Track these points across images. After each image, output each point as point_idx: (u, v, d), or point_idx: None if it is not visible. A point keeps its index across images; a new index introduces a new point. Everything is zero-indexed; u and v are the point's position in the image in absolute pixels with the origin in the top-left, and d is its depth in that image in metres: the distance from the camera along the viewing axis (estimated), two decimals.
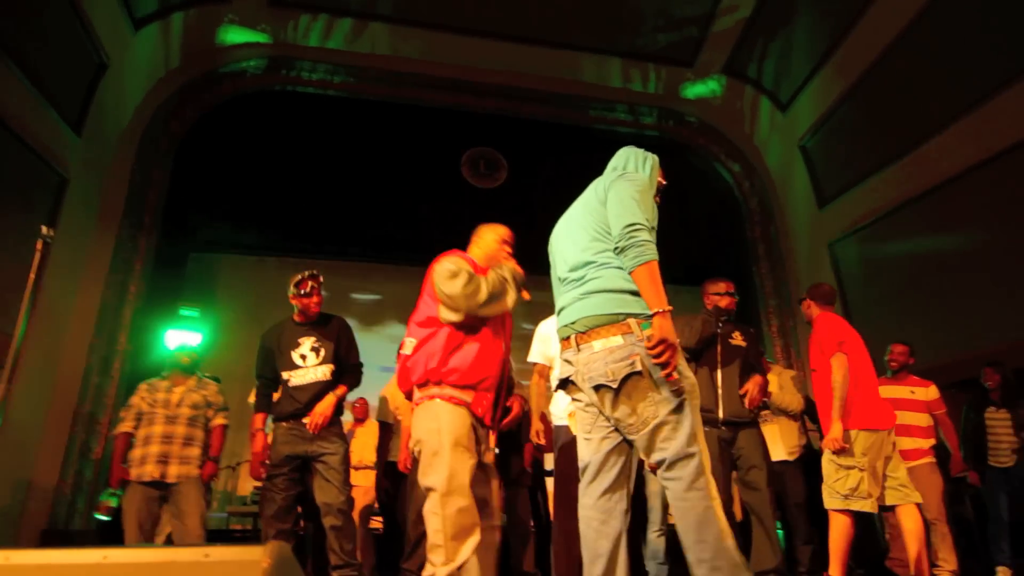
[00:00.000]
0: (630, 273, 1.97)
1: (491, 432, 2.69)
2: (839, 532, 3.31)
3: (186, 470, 3.93)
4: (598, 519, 1.97)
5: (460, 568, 2.18)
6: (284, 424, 3.52)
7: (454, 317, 2.45)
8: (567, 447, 3.40)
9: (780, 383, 4.61)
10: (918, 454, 4.28)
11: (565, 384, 2.14)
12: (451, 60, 8.14)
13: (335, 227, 7.82)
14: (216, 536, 6.11)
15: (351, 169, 8.02)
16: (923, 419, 4.38)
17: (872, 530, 5.55)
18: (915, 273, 6.70)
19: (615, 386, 1.91)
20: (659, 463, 1.88)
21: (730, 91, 8.82)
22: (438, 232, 8.16)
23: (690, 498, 1.81)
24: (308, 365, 3.58)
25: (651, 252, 1.98)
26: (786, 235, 8.90)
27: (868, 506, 3.26)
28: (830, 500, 3.37)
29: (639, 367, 1.88)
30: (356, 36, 7.88)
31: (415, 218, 7.95)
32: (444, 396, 2.40)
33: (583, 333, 2.00)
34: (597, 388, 1.96)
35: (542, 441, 3.57)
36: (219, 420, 4.21)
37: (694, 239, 8.82)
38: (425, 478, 2.30)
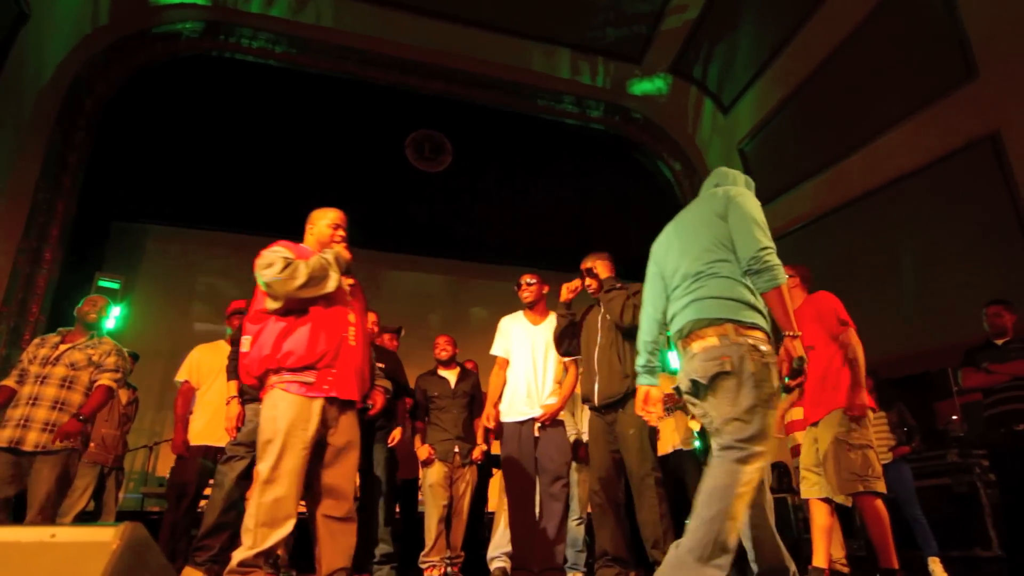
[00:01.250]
0: (763, 295, 2.15)
1: (361, 407, 2.76)
2: (878, 519, 3.03)
3: (47, 439, 3.39)
4: None
5: (262, 554, 2.23)
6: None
7: (275, 305, 2.48)
8: (509, 442, 3.56)
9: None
10: None
11: (679, 392, 2.28)
12: (398, 38, 7.98)
13: (270, 202, 7.56)
14: (130, 518, 5.88)
15: (289, 143, 7.79)
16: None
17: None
18: (840, 278, 7.00)
19: (705, 382, 2.08)
20: (722, 447, 2.02)
21: (675, 90, 8.97)
22: (379, 212, 8.05)
23: (729, 473, 1.96)
24: None
25: (783, 275, 2.15)
26: None
27: (882, 486, 3.06)
28: (850, 484, 3.06)
29: (728, 368, 2.03)
30: (301, 6, 7.62)
31: (356, 198, 7.77)
32: (283, 383, 2.41)
33: (686, 337, 2.18)
34: (693, 383, 2.14)
35: (491, 425, 3.66)
36: (104, 380, 3.69)
37: (634, 234, 8.95)
38: (257, 463, 2.39)
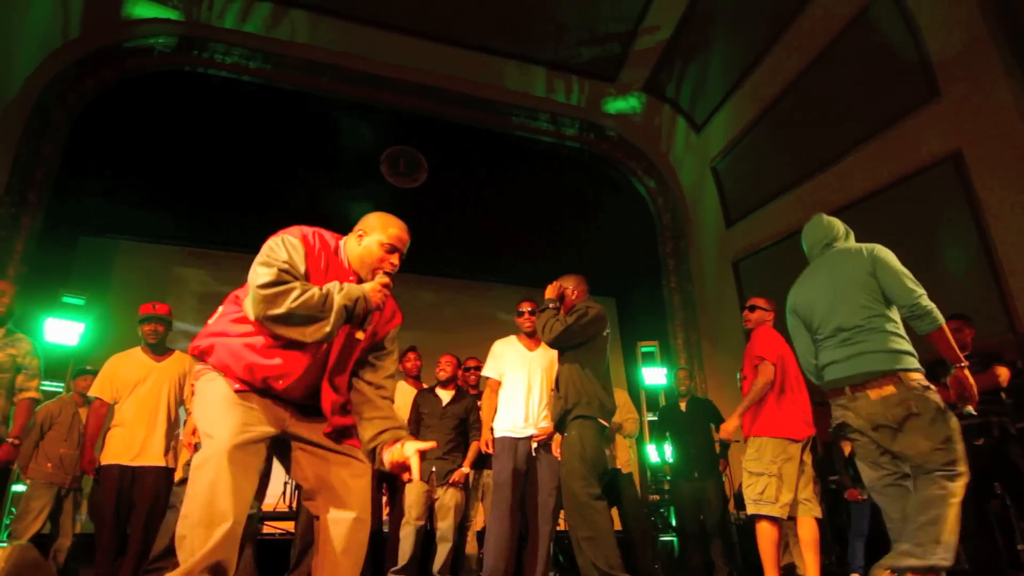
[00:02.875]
0: (929, 335, 2.49)
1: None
2: (762, 539, 3.41)
3: None
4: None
5: (202, 571, 1.73)
6: None
7: (247, 308, 1.98)
8: (501, 456, 3.65)
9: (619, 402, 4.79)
10: None
11: (841, 427, 2.63)
12: (373, 55, 8.00)
13: (243, 219, 7.48)
14: (87, 541, 5.72)
15: (263, 159, 7.73)
16: None
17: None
18: None
19: (895, 426, 2.43)
20: (929, 471, 2.39)
21: (649, 109, 9.09)
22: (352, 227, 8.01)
23: (941, 495, 2.34)
24: None
25: (940, 317, 2.49)
26: (695, 252, 9.23)
27: (776, 511, 3.39)
28: (748, 506, 3.49)
29: (915, 410, 2.41)
30: (275, 22, 7.62)
31: (329, 215, 7.69)
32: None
33: (859, 385, 2.54)
34: (876, 428, 2.49)
35: (490, 450, 3.77)
36: (31, 393, 3.46)
37: (610, 251, 9.02)
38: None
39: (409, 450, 1.97)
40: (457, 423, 4.33)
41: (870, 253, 2.67)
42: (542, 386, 3.82)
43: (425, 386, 4.79)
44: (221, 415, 1.87)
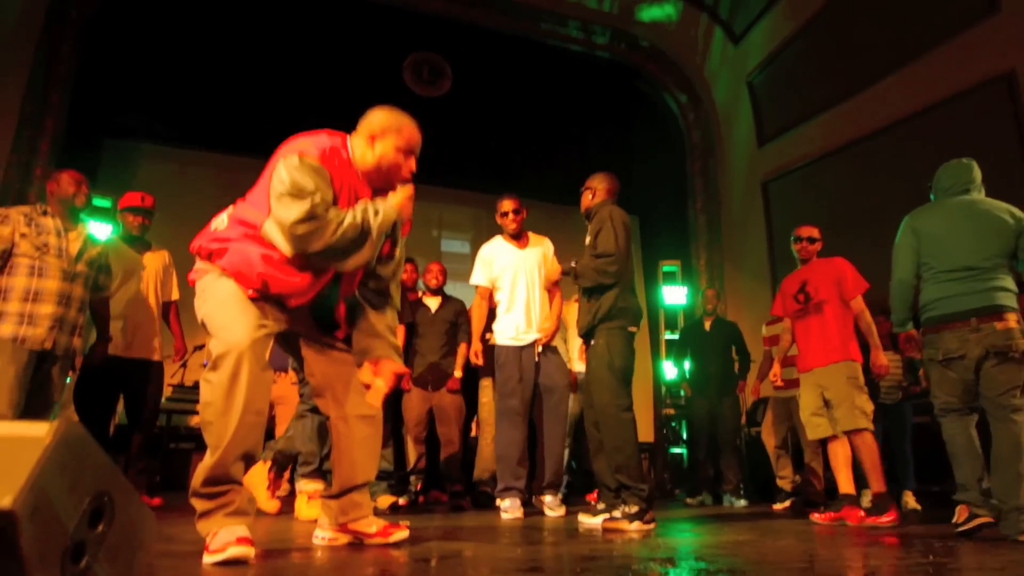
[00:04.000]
0: None
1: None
2: (872, 449, 3.43)
3: (77, 343, 3.20)
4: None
5: (235, 458, 1.79)
6: None
7: (276, 242, 1.86)
8: (506, 366, 3.58)
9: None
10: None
11: (952, 359, 2.87)
12: None
13: (265, 122, 7.38)
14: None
15: (284, 62, 7.54)
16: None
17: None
18: (841, 217, 6.92)
19: (1013, 355, 2.74)
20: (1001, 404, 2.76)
21: (685, 17, 8.62)
22: None
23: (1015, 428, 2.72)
24: None
25: None
26: (724, 171, 8.98)
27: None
28: (857, 420, 3.42)
29: (1020, 347, 2.74)
30: None
31: (351, 118, 7.60)
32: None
33: (985, 316, 2.79)
34: (995, 353, 2.77)
35: (480, 362, 3.75)
36: (106, 292, 3.47)
37: (636, 168, 8.82)
38: None
39: (381, 376, 2.04)
40: (448, 328, 4.40)
41: (1017, 219, 2.93)
42: (540, 285, 3.72)
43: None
44: (237, 312, 1.86)
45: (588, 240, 3.24)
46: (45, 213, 3.18)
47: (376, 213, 1.89)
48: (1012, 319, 2.77)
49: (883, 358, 3.56)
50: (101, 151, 7.15)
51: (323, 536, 2.10)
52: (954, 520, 2.81)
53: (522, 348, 3.62)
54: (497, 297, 3.78)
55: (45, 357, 3.06)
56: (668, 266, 7.96)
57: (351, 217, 1.85)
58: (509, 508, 3.43)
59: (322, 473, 3.19)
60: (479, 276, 3.82)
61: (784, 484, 4.84)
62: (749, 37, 8.26)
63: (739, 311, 8.16)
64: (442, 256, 8.82)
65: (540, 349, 3.64)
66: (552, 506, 3.55)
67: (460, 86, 8.34)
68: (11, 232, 3.04)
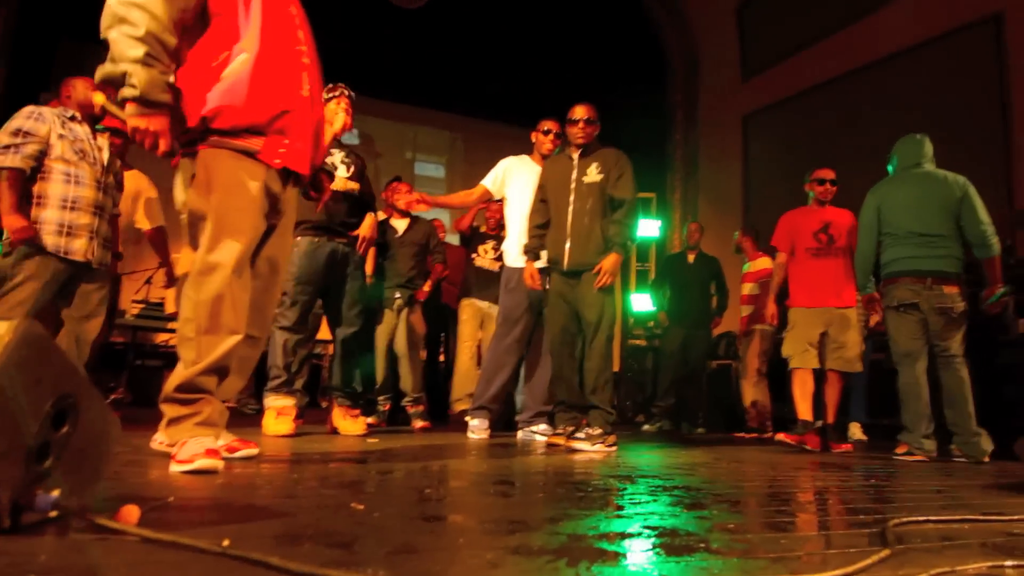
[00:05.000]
0: (984, 260, 3.35)
1: (311, 193, 2.18)
2: (841, 387, 3.86)
3: (107, 257, 3.08)
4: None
5: (210, 371, 1.74)
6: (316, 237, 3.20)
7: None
8: (516, 291, 3.48)
9: None
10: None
11: (908, 306, 3.38)
12: None
13: None
14: None
15: None
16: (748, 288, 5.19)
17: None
18: (820, 156, 6.92)
19: (954, 315, 3.31)
20: (945, 352, 3.34)
21: None
22: (349, 49, 7.56)
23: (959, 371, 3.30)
24: (340, 175, 3.30)
25: (998, 248, 3.34)
26: (705, 104, 8.86)
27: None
28: (854, 364, 3.80)
29: (961, 308, 3.31)
30: None
31: (323, 30, 7.26)
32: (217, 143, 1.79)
33: (938, 279, 3.33)
34: (940, 311, 3.31)
35: (426, 205, 3.72)
36: (115, 209, 3.23)
37: (617, 96, 8.64)
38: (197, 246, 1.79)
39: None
40: (417, 250, 4.37)
41: (962, 186, 3.37)
42: None
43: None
44: (242, 216, 1.77)
45: (600, 177, 3.21)
46: (73, 118, 2.98)
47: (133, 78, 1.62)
48: (956, 285, 3.33)
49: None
50: (56, 52, 6.75)
51: (161, 440, 1.88)
52: (895, 451, 3.32)
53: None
54: (509, 215, 3.65)
55: (82, 270, 2.94)
56: (642, 197, 7.93)
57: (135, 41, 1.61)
58: (476, 428, 3.45)
59: (291, 389, 3.19)
60: (488, 179, 3.69)
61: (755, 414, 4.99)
62: None
63: (711, 247, 8.24)
64: (415, 180, 8.67)
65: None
66: (546, 433, 3.46)
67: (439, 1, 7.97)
68: (47, 132, 2.85)
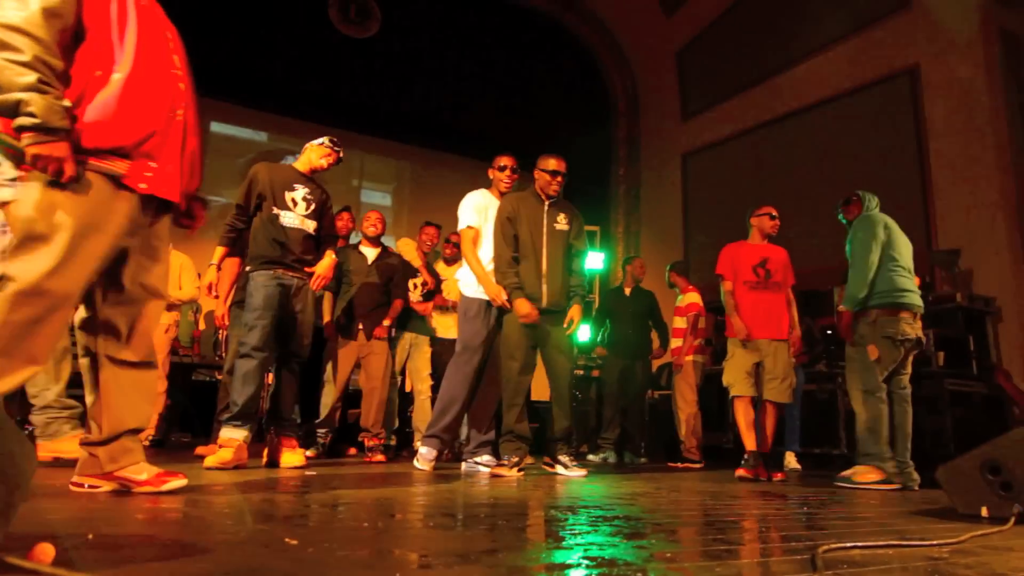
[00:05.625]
0: None
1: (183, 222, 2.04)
2: (776, 418, 3.95)
3: None
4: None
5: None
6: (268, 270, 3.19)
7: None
8: (476, 320, 3.49)
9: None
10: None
11: (904, 340, 3.46)
12: None
13: (193, 61, 6.89)
14: None
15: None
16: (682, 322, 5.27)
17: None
18: (754, 195, 7.24)
19: (921, 347, 3.60)
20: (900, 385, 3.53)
21: None
22: (299, 77, 7.51)
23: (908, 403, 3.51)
24: (298, 212, 3.29)
25: None
26: (648, 141, 9.17)
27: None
28: (788, 395, 3.89)
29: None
30: None
31: (273, 57, 7.21)
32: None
33: (919, 316, 3.53)
34: (917, 344, 3.51)
35: (502, 300, 3.42)
36: None
37: (562, 130, 8.85)
38: (11, 261, 1.56)
39: None
40: (384, 280, 4.32)
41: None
42: None
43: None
44: (84, 243, 1.63)
45: (567, 227, 3.51)
46: None
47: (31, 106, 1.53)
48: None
49: (800, 338, 4.01)
50: None
51: (86, 484, 1.83)
52: (869, 480, 3.35)
53: (489, 304, 3.49)
54: (483, 247, 3.64)
55: None
56: (590, 229, 8.09)
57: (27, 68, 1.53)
58: (423, 457, 3.44)
59: (242, 423, 3.06)
60: (473, 217, 3.62)
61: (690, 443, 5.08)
62: (681, 11, 8.37)
63: (652, 281, 8.44)
64: (361, 208, 8.60)
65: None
66: (490, 464, 3.47)
67: (388, 28, 8.04)
68: None
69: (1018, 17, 5.51)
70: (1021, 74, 5.49)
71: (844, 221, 3.89)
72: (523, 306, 3.28)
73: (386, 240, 4.65)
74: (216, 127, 7.59)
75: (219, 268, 3.32)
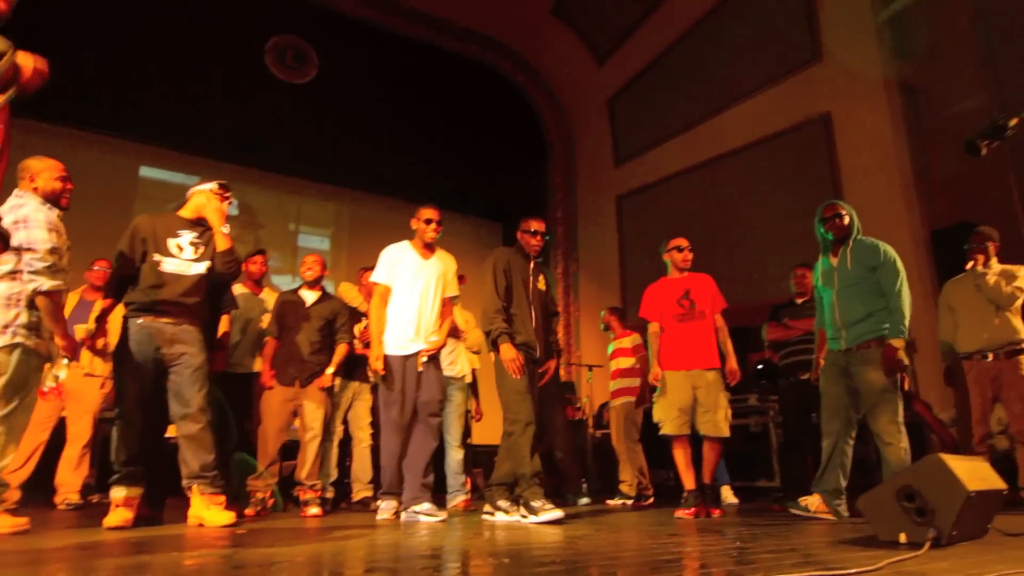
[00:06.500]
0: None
1: None
2: (719, 452, 3.87)
3: None
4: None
5: None
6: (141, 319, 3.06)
7: None
8: (391, 375, 3.55)
9: (465, 318, 4.95)
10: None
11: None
12: None
13: (118, 98, 6.74)
14: None
15: (139, 34, 6.90)
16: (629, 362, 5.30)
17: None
18: (686, 233, 7.52)
19: None
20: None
21: (555, 34, 8.97)
22: (234, 121, 7.42)
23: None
24: (184, 258, 3.17)
25: None
26: (583, 185, 9.44)
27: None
28: (725, 428, 3.76)
29: None
30: None
31: (207, 101, 7.13)
32: None
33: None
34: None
35: (379, 367, 3.54)
36: None
37: (501, 175, 9.03)
38: None
39: None
40: (323, 325, 4.19)
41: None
42: (434, 299, 3.71)
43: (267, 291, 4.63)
44: None
45: (545, 288, 3.78)
46: None
47: None
48: None
49: (736, 366, 3.89)
50: None
51: None
52: (822, 510, 3.35)
53: (407, 357, 3.58)
54: (390, 305, 3.70)
55: None
56: None
57: None
58: (385, 509, 3.49)
59: (131, 481, 2.93)
60: (382, 274, 3.69)
61: (638, 482, 5.11)
62: (612, 60, 8.75)
63: (591, 321, 8.60)
64: (298, 252, 8.47)
65: (425, 359, 3.61)
66: (431, 512, 3.43)
67: (326, 75, 8.08)
68: None
69: (915, 69, 5.99)
70: (921, 122, 5.95)
71: (830, 237, 3.52)
72: (509, 351, 3.39)
73: (327, 286, 4.59)
74: (146, 171, 7.40)
75: (98, 320, 3.17)
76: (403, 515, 3.51)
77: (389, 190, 8.53)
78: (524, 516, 3.24)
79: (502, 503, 3.44)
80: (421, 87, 8.71)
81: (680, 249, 4.11)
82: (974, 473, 2.18)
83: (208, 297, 3.30)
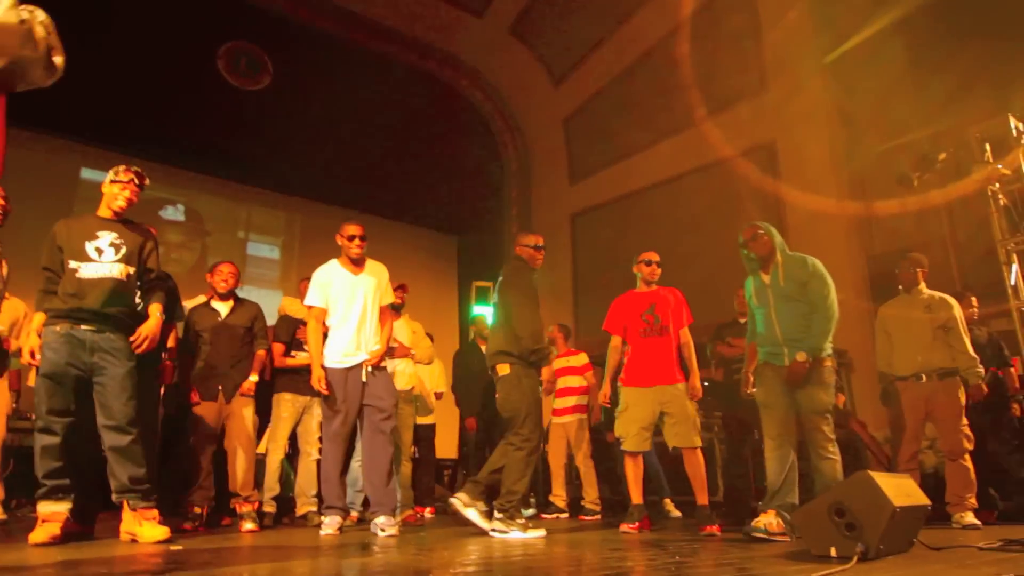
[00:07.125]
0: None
1: None
2: (701, 464, 3.75)
3: None
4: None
5: None
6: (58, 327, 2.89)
7: None
8: (332, 388, 3.57)
9: (413, 328, 5.03)
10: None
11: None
12: None
13: (60, 95, 6.47)
14: None
15: (88, 30, 6.66)
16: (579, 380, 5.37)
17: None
18: (639, 251, 7.68)
19: None
20: None
21: (513, 52, 9.07)
22: (183, 125, 7.23)
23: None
24: (103, 260, 3.01)
25: None
26: (538, 201, 9.54)
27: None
28: (695, 438, 3.71)
29: None
30: None
31: (156, 104, 6.93)
32: None
33: None
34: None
35: (323, 387, 3.57)
36: None
37: (457, 190, 9.05)
38: None
39: None
40: (243, 334, 4.08)
41: None
42: (372, 310, 3.73)
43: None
44: None
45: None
46: None
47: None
48: None
49: (699, 383, 3.92)
50: None
51: None
52: (779, 531, 3.06)
53: (348, 369, 3.60)
54: (329, 321, 3.73)
55: None
56: (482, 285, 8.17)
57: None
58: (329, 524, 3.47)
59: (58, 496, 2.80)
60: (315, 298, 3.72)
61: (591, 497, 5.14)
62: (568, 81, 8.91)
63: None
64: (248, 261, 8.30)
65: (369, 369, 3.62)
66: (385, 527, 3.37)
67: (280, 83, 7.98)
68: None
69: (851, 98, 6.28)
70: (856, 148, 6.24)
71: (753, 256, 3.49)
72: (549, 373, 3.63)
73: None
74: (87, 173, 7.15)
75: (40, 335, 3.02)
76: (372, 526, 3.48)
77: (342, 200, 8.45)
78: (503, 532, 3.27)
79: (517, 519, 3.43)
80: (378, 99, 8.66)
81: (648, 263, 4.12)
82: (900, 489, 2.28)
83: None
